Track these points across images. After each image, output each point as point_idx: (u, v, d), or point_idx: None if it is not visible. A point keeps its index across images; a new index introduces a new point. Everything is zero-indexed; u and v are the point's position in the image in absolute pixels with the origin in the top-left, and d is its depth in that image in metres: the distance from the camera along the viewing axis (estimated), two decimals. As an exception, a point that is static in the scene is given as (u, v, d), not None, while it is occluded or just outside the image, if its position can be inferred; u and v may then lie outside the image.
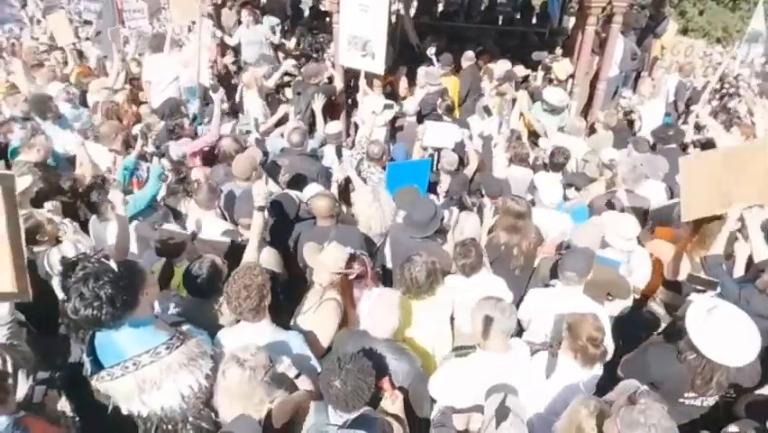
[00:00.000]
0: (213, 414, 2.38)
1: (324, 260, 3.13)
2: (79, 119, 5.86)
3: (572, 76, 7.00)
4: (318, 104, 5.85)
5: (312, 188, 4.45)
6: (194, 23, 7.64)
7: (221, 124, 5.21)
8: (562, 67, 7.08)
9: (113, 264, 2.12)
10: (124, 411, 2.26)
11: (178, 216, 4.29)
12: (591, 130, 6.61)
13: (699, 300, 2.79)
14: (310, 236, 3.64)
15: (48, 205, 3.57)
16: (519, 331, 3.46)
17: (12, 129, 4.93)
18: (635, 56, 7.87)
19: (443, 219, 3.90)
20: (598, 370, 2.85)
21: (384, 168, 4.83)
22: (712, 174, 3.41)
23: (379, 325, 2.74)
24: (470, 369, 2.69)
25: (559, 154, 4.81)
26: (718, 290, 3.17)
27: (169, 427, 2.28)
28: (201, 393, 2.32)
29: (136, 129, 5.46)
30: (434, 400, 2.83)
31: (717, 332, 2.56)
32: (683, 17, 19.40)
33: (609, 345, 3.14)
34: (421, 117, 6.49)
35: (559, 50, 7.94)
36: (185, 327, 2.48)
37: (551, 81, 7.22)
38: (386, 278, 4.07)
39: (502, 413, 2.20)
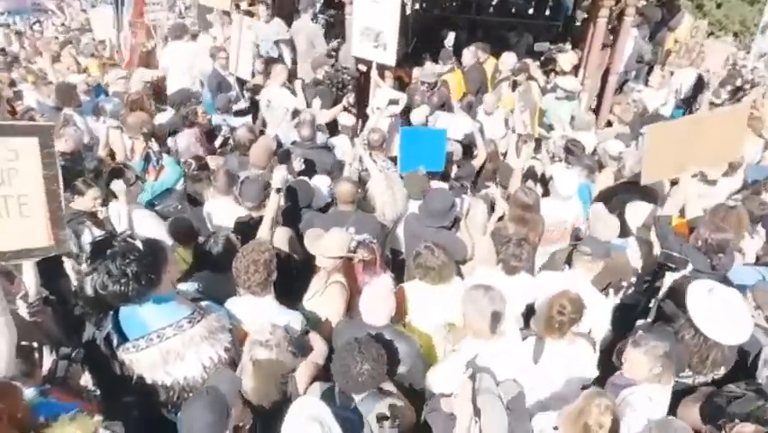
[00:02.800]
0: None
1: (325, 244, 3.21)
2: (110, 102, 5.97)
3: (578, 67, 7.01)
4: (316, 103, 5.94)
5: (321, 179, 4.57)
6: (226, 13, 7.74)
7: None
8: (566, 58, 7.07)
9: (138, 243, 2.26)
10: (149, 381, 2.38)
11: (200, 202, 4.37)
12: (606, 124, 6.62)
13: (696, 284, 2.88)
14: (329, 221, 3.72)
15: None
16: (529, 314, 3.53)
17: (34, 118, 5.03)
18: (641, 59, 7.81)
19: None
20: (589, 352, 2.92)
21: (388, 156, 4.95)
22: (672, 141, 3.61)
23: (374, 314, 2.83)
24: (462, 357, 2.75)
25: (575, 148, 4.86)
26: (690, 267, 3.29)
27: (191, 395, 2.38)
28: (221, 365, 2.44)
29: (159, 118, 5.60)
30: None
31: (716, 312, 2.67)
32: (700, 10, 19.07)
33: (603, 332, 3.25)
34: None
35: (568, 45, 7.91)
36: (204, 303, 2.59)
37: (555, 73, 7.21)
38: (396, 262, 4.14)
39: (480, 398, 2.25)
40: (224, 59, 6.86)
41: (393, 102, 6.12)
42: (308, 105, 6.19)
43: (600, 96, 6.98)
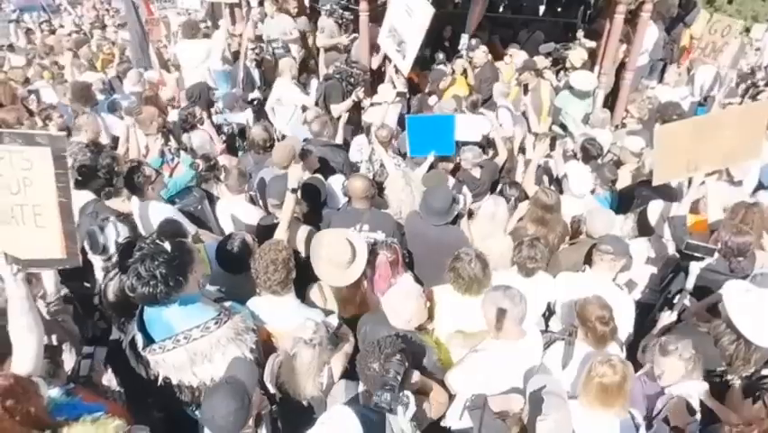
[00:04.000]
0: None
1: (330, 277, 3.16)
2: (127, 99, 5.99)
3: (593, 64, 6.95)
4: (337, 107, 5.94)
5: (337, 179, 4.52)
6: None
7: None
8: (577, 54, 7.04)
9: (166, 245, 2.27)
10: (174, 381, 2.39)
11: (212, 200, 4.42)
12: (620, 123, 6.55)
13: (729, 286, 2.86)
14: (343, 217, 3.69)
15: None
16: (550, 315, 3.52)
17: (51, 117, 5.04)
18: (667, 43, 7.73)
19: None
20: (615, 351, 2.88)
21: (396, 152, 4.96)
22: (683, 141, 3.58)
23: (398, 315, 2.81)
24: (487, 359, 2.73)
25: (592, 147, 4.81)
26: (716, 256, 3.30)
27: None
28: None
29: (173, 116, 5.61)
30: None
31: (758, 317, 2.66)
32: (711, 5, 18.88)
33: (628, 329, 3.22)
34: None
35: (581, 33, 7.83)
36: (228, 304, 2.59)
37: (566, 70, 7.16)
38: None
39: (544, 399, 2.22)
40: (254, 52, 6.88)
41: (401, 94, 6.12)
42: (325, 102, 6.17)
43: (615, 93, 6.88)
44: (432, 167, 4.83)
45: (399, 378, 2.17)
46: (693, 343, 2.64)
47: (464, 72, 7.23)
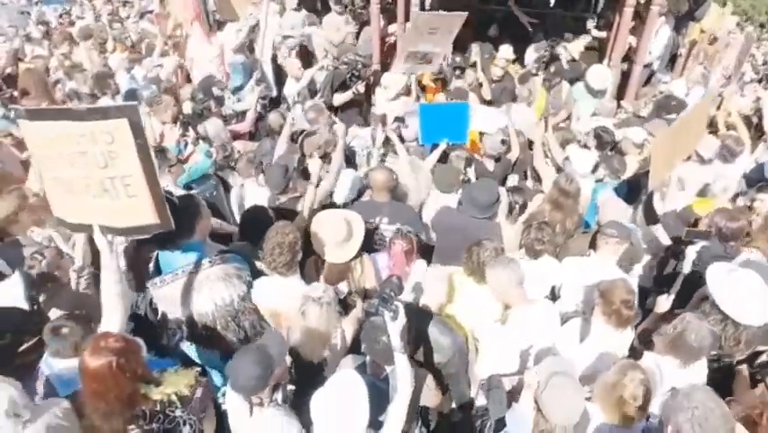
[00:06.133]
0: (240, 330, 2.79)
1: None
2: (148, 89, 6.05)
3: (602, 57, 6.98)
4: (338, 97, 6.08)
5: (346, 174, 4.52)
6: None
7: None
8: (574, 47, 7.16)
9: (174, 199, 2.52)
10: (170, 316, 2.67)
11: (228, 187, 4.58)
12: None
13: (713, 268, 2.94)
14: (362, 210, 3.69)
15: None
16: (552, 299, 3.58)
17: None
18: (674, 38, 7.74)
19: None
20: (629, 333, 2.96)
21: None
22: (669, 145, 3.90)
23: (426, 298, 2.97)
24: (504, 330, 2.82)
25: (606, 134, 4.91)
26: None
27: (203, 332, 2.74)
28: (231, 308, 2.74)
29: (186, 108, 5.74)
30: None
31: (741, 295, 2.73)
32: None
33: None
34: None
35: (591, 23, 7.84)
36: (230, 255, 2.86)
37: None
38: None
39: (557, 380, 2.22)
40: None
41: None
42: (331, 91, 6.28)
43: (624, 86, 6.90)
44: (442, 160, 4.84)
45: (393, 295, 2.34)
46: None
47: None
